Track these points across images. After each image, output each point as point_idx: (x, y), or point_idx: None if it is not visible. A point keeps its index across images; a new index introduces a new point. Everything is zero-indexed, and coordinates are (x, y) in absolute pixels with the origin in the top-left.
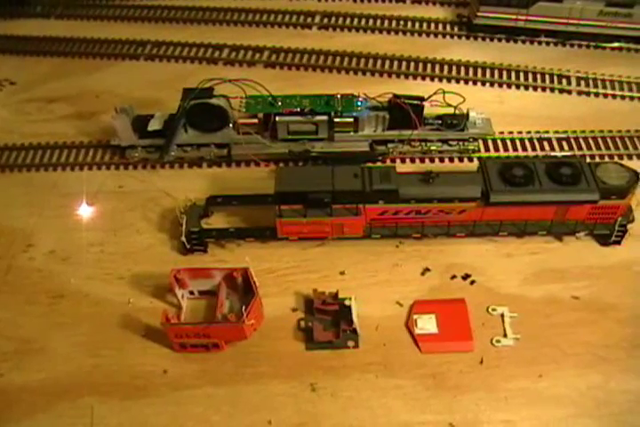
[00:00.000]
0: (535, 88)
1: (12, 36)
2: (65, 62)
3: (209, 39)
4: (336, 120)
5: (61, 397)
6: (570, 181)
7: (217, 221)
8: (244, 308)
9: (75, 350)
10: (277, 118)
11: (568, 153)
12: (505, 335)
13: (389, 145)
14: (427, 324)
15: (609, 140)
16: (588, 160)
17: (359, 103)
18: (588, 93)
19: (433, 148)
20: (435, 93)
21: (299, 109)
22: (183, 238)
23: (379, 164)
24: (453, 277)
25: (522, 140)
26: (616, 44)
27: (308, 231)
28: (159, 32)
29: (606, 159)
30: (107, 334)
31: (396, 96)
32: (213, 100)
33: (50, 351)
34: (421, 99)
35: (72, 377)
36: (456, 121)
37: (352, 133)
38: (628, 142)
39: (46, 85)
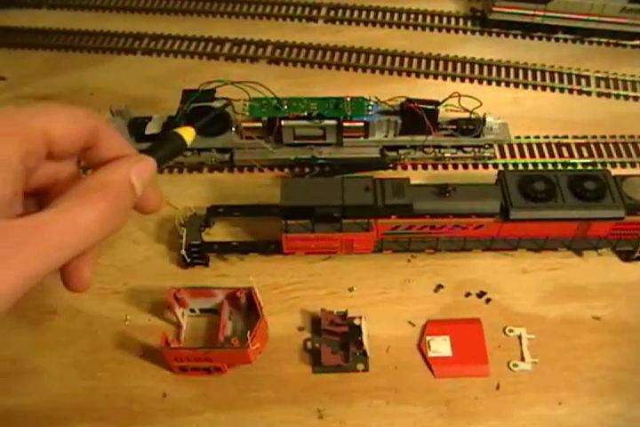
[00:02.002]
0: (552, 89)
1: (1, 28)
2: (57, 56)
3: (210, 32)
4: (345, 125)
5: (54, 422)
6: (594, 197)
7: (218, 231)
8: (248, 333)
9: (68, 372)
10: (283, 122)
11: (588, 160)
12: (522, 359)
13: (401, 151)
14: (440, 346)
15: (630, 145)
16: (608, 167)
17: (370, 107)
18: (608, 95)
19: (447, 154)
20: (450, 97)
21: (306, 113)
22: (183, 252)
23: (390, 170)
24: (468, 294)
25: (539, 145)
26: (637, 42)
27: (316, 247)
28: (157, 24)
29: (628, 167)
30: (102, 354)
31: (409, 100)
32: (215, 103)
33: (42, 373)
34: (436, 103)
35: (66, 401)
36: (472, 126)
37: (362, 139)
38: None
39: (38, 81)
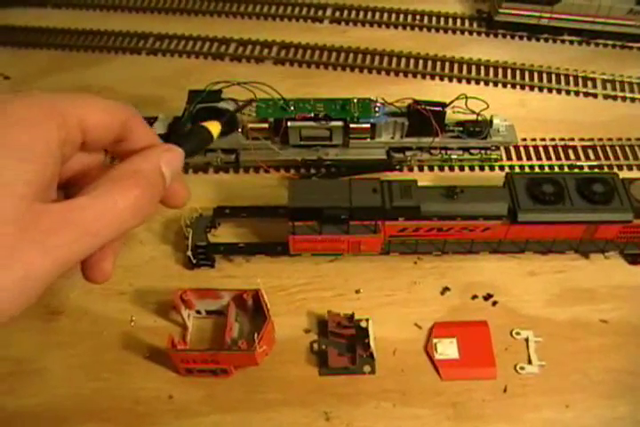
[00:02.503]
0: (559, 91)
1: (5, 27)
2: (62, 56)
3: (215, 32)
4: (352, 126)
5: (59, 423)
6: (602, 200)
7: (224, 232)
8: (255, 335)
9: (73, 373)
10: (289, 123)
11: (595, 163)
12: (529, 362)
13: (407, 153)
14: (447, 349)
15: (637, 148)
16: (615, 170)
17: (377, 108)
18: (614, 97)
19: (454, 156)
20: (456, 99)
21: (312, 115)
22: (189, 253)
23: (396, 172)
24: (474, 296)
25: (545, 147)
26: None
27: (323, 248)
28: (162, 24)
29: (634, 169)
30: (108, 355)
31: (416, 102)
32: (221, 104)
33: (47, 373)
34: (443, 105)
35: (71, 402)
36: (478, 128)
37: (368, 140)
38: None
39: (42, 80)
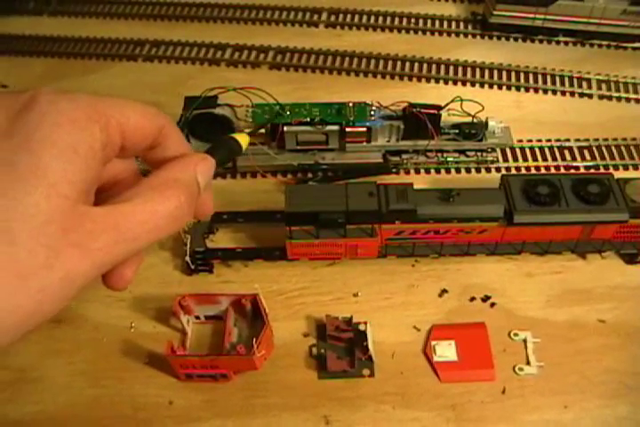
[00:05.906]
0: (554, 92)
1: (2, 36)
2: (59, 63)
3: (210, 38)
4: (348, 130)
5: None
6: (598, 200)
7: (222, 238)
8: (254, 340)
9: (74, 380)
10: (285, 128)
11: (591, 163)
12: (528, 363)
13: (404, 156)
14: (446, 351)
15: (632, 148)
16: (611, 170)
17: (372, 112)
18: (609, 97)
19: (449, 159)
20: (452, 101)
21: (308, 119)
22: (187, 259)
23: (392, 175)
24: (472, 298)
25: (541, 148)
26: (638, 44)
27: (320, 253)
28: (158, 31)
29: (630, 169)
30: (108, 362)
31: (411, 105)
32: (217, 110)
33: (47, 381)
34: (438, 107)
35: (71, 409)
36: (474, 130)
37: (364, 144)
38: None
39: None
